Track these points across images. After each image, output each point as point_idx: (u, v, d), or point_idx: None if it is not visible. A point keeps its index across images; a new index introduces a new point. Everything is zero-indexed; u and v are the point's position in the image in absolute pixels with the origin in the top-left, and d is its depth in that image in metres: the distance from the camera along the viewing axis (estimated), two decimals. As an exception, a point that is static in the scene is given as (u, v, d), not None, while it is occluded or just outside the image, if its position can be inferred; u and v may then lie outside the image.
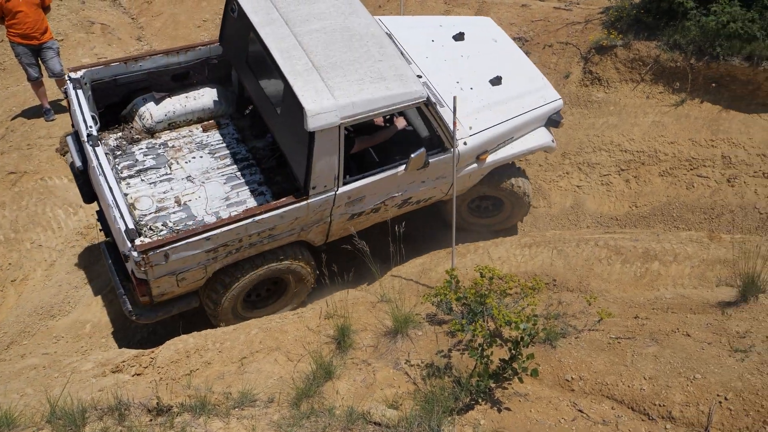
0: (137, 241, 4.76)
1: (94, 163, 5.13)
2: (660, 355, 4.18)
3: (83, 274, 6.62)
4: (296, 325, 5.05)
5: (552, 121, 6.33)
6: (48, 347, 5.97)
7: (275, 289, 5.88)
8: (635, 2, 8.09)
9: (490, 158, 6.01)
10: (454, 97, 5.09)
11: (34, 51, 7.57)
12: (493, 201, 6.63)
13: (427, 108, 5.28)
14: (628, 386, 4.04)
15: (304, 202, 5.18)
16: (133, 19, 10.07)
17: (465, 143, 5.71)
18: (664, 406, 3.91)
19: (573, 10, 8.69)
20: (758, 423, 3.69)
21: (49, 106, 7.93)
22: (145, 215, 5.40)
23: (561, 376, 4.21)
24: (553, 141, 6.35)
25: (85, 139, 5.25)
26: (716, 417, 3.78)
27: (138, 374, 4.96)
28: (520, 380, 4.00)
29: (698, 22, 7.41)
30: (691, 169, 7.09)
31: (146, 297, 5.11)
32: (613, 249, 5.74)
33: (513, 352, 3.99)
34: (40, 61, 7.71)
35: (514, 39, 7.32)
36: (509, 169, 6.40)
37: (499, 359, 4.10)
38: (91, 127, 5.31)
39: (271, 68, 5.17)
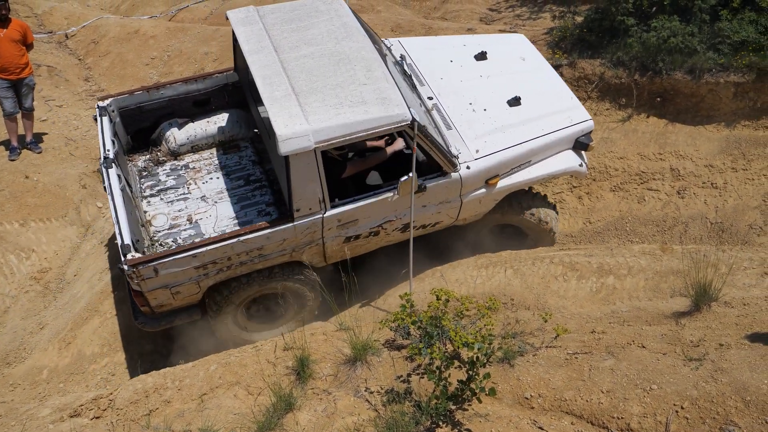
0: (129, 256, 4.99)
1: (105, 183, 5.42)
2: (616, 368, 4.22)
3: (38, 319, 6.47)
4: (255, 359, 4.98)
5: (580, 144, 6.01)
6: (5, 395, 5.80)
7: (276, 306, 5.87)
8: (578, 22, 8.32)
9: (503, 183, 5.82)
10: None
11: (12, 85, 7.59)
12: (514, 228, 6.38)
13: (413, 131, 5.15)
14: (587, 401, 4.07)
15: (290, 225, 5.25)
16: (80, 59, 10.01)
17: (468, 167, 5.59)
18: (622, 418, 3.93)
19: (518, 32, 8.91)
20: (714, 430, 3.73)
21: (16, 145, 7.84)
22: (159, 231, 5.71)
23: (520, 395, 4.22)
24: (581, 165, 6.02)
25: (101, 161, 5.55)
26: (674, 426, 3.82)
27: (97, 417, 4.85)
28: (479, 400, 4.00)
29: (640, 38, 7.62)
30: (642, 183, 7.25)
31: (146, 307, 5.36)
32: (569, 265, 5.81)
33: (470, 372, 3.99)
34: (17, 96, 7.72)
35: None
36: (527, 197, 6.17)
37: (458, 381, 4.09)
38: (108, 150, 5.59)
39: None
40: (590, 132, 6.05)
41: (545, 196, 6.48)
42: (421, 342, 4.31)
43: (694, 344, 4.30)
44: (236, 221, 5.77)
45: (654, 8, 7.87)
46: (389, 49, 6.41)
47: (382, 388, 4.43)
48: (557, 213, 6.47)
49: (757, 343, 4.17)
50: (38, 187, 7.50)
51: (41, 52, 9.73)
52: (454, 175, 5.55)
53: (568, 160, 6.00)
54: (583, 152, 6.09)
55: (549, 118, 5.91)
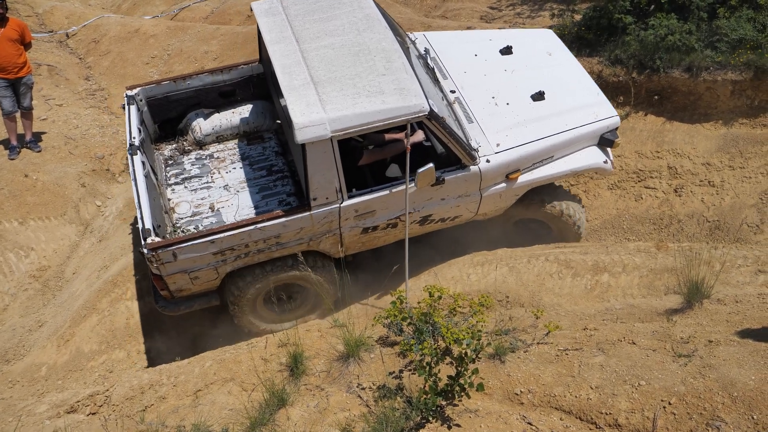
0: (149, 240, 5.09)
1: (130, 169, 5.52)
2: (606, 364, 4.23)
3: (37, 316, 6.52)
4: (250, 355, 5.02)
5: (605, 140, 5.95)
6: (3, 392, 5.85)
7: (295, 295, 5.93)
8: (577, 20, 8.32)
9: (524, 178, 5.78)
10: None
11: (10, 84, 7.63)
12: (539, 223, 6.33)
13: (431, 122, 5.17)
14: (576, 396, 4.09)
15: (306, 213, 5.31)
16: (80, 59, 10.06)
17: (488, 161, 5.56)
18: (610, 414, 3.95)
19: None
20: (701, 425, 3.74)
21: (15, 144, 7.89)
22: (182, 218, 5.86)
23: (510, 390, 4.24)
24: (606, 162, 5.95)
25: (127, 147, 5.67)
26: (661, 422, 3.83)
27: (93, 413, 4.91)
28: (468, 396, 4.02)
29: (638, 37, 7.62)
30: (639, 181, 7.25)
31: (165, 291, 5.49)
32: (564, 263, 5.82)
33: (458, 368, 4.01)
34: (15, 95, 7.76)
35: None
36: (554, 192, 6.12)
37: (447, 376, 4.12)
38: (134, 137, 5.71)
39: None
40: (616, 128, 5.98)
41: (567, 189, 6.36)
42: (412, 338, 4.34)
43: (684, 341, 4.31)
44: (257, 210, 5.86)
45: (652, 6, 7.86)
46: (413, 42, 6.44)
47: (374, 384, 4.46)
48: (582, 207, 6.36)
49: (746, 340, 4.17)
50: (37, 185, 7.55)
51: (42, 51, 9.78)
52: (473, 168, 5.53)
53: (593, 157, 5.94)
54: (608, 149, 6.03)
55: (573, 114, 5.86)
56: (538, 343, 4.58)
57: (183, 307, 5.74)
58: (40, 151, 7.99)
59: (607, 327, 4.78)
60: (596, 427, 3.94)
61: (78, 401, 4.98)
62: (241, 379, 4.83)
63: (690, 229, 6.75)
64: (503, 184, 5.77)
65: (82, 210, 7.58)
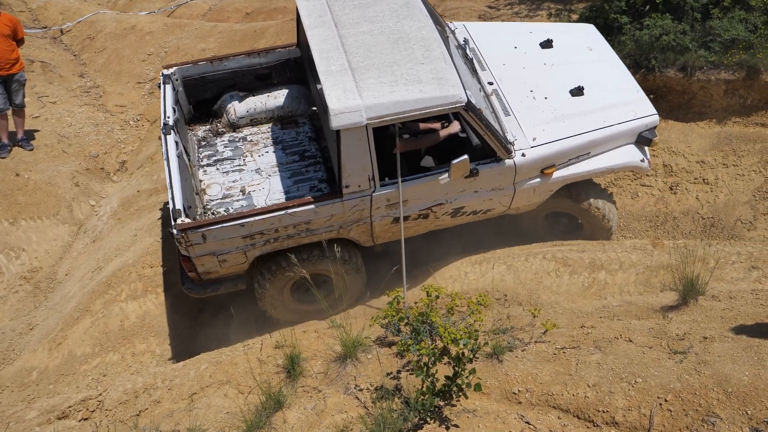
0: (179, 220, 5.07)
1: (163, 148, 5.50)
2: (603, 362, 4.23)
3: (28, 319, 6.45)
4: (246, 357, 4.98)
5: (643, 139, 5.86)
6: (-8, 398, 5.80)
7: (322, 285, 5.86)
8: (573, 20, 8.34)
9: (558, 173, 5.71)
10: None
11: (2, 81, 7.57)
12: (570, 218, 6.30)
13: (468, 114, 5.11)
14: (573, 395, 4.08)
15: (338, 200, 5.27)
16: (75, 56, 9.98)
17: (524, 155, 5.50)
18: (607, 411, 3.94)
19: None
20: (697, 422, 3.75)
21: (6, 142, 7.81)
22: (213, 200, 5.86)
23: (508, 390, 4.23)
24: (643, 161, 5.87)
25: (161, 127, 5.65)
26: (657, 419, 3.83)
27: (85, 419, 4.85)
28: (465, 396, 4.01)
29: (633, 36, 7.65)
30: (635, 179, 7.26)
31: (193, 272, 5.46)
32: (561, 261, 5.82)
33: (456, 368, 3.99)
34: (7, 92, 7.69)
35: None
36: (588, 187, 6.05)
37: (445, 377, 4.10)
38: (168, 117, 5.70)
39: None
40: (655, 127, 5.92)
41: (604, 187, 6.30)
42: (410, 338, 4.32)
43: (680, 337, 4.31)
44: (288, 195, 5.84)
45: (647, 7, 7.89)
46: (453, 32, 6.40)
47: (371, 385, 4.43)
48: (616, 206, 6.30)
49: (740, 336, 4.18)
50: (29, 184, 7.48)
51: (35, 48, 9.69)
52: (508, 161, 5.47)
53: (630, 155, 5.86)
54: (646, 147, 5.96)
55: (612, 111, 5.79)
56: (535, 342, 4.57)
57: (210, 290, 5.71)
58: (32, 150, 7.91)
59: (604, 324, 4.77)
60: (594, 425, 3.93)
61: (70, 406, 4.91)
62: (237, 381, 4.79)
63: (685, 227, 6.76)
64: (538, 179, 5.71)
65: (76, 210, 7.51)
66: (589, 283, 5.61)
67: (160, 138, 5.76)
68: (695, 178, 7.14)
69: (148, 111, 9.13)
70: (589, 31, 6.67)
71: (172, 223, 5.10)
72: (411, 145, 5.63)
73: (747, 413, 3.67)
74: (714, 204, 6.84)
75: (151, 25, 10.31)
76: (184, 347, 6.12)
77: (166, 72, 6.14)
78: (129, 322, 6.30)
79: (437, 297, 4.56)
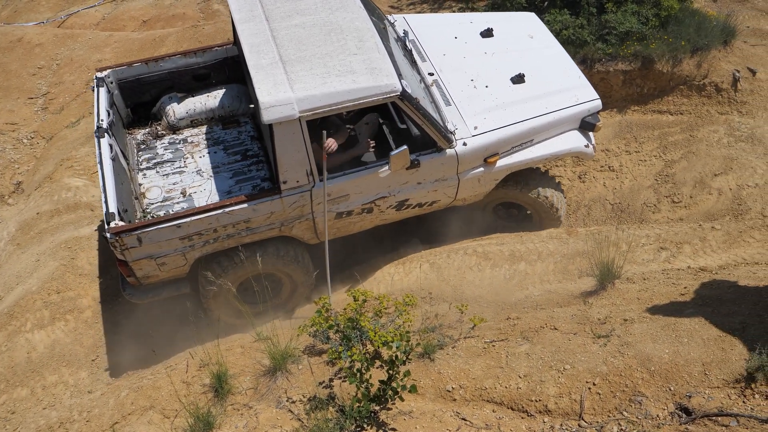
0: (112, 224, 4.95)
1: (96, 152, 5.34)
2: (532, 352, 4.32)
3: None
4: (169, 379, 4.75)
5: (586, 124, 5.87)
6: None
7: (271, 285, 5.66)
8: (475, 17, 8.49)
9: (502, 162, 5.70)
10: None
11: None
12: (519, 208, 6.33)
13: (404, 103, 5.05)
14: (506, 387, 4.14)
15: (277, 197, 5.19)
16: (-47, 72, 9.26)
17: (465, 144, 5.47)
18: (540, 400, 4.03)
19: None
20: (625, 402, 3.89)
21: None
22: (152, 203, 5.71)
23: (442, 388, 4.24)
24: (588, 146, 5.91)
25: (95, 130, 5.50)
26: (588, 403, 3.95)
27: (-10, 465, 4.49)
28: (401, 398, 3.98)
29: (534, 33, 7.88)
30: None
31: (132, 278, 5.34)
32: (482, 255, 5.91)
33: (390, 372, 3.96)
34: None
35: None
36: (536, 176, 6.08)
37: (379, 381, 4.06)
38: (102, 120, 5.57)
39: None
40: (598, 112, 5.96)
41: (550, 175, 6.34)
42: (340, 345, 4.25)
43: (601, 321, 4.47)
44: (230, 195, 5.67)
45: (546, 2, 8.16)
46: (392, 24, 6.34)
47: (304, 397, 4.32)
48: (563, 194, 6.38)
49: (657, 315, 4.38)
50: None
51: None
52: (449, 151, 5.45)
53: (574, 141, 5.90)
54: (590, 133, 6.01)
55: (554, 97, 5.80)
56: (465, 338, 4.61)
57: (151, 294, 5.57)
58: None
59: (528, 315, 4.88)
60: (528, 415, 4.01)
61: (-23, 448, 4.54)
62: (162, 405, 4.56)
63: (596, 213, 7.04)
64: (481, 168, 5.71)
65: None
66: (511, 275, 5.73)
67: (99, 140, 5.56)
68: (601, 166, 7.44)
69: (43, 128, 8.58)
70: (530, 19, 6.77)
71: (105, 227, 4.95)
72: (340, 159, 5.55)
73: (670, 389, 3.85)
74: (620, 190, 7.16)
75: (40, 37, 9.69)
76: (100, 375, 5.77)
77: (99, 75, 6.00)
78: (37, 354, 5.87)
79: (365, 301, 4.51)
